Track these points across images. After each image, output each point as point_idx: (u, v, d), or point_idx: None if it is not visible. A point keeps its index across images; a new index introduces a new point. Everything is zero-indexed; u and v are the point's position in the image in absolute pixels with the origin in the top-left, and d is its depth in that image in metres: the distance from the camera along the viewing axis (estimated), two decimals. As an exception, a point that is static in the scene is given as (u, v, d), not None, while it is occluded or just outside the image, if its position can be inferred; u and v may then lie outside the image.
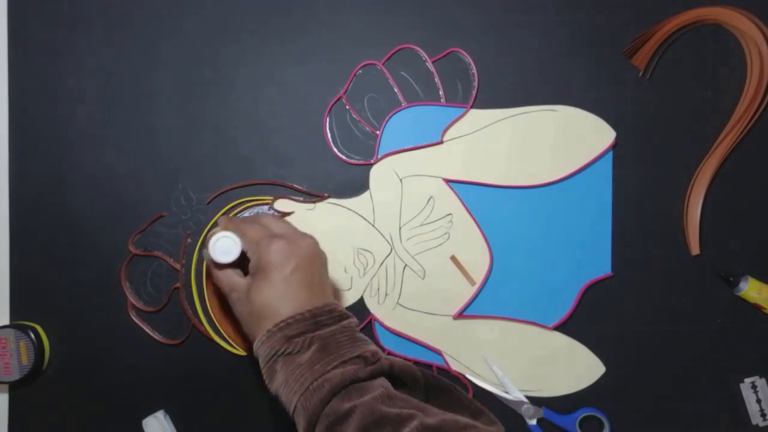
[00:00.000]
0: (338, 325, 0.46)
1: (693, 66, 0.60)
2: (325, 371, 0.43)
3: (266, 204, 0.59)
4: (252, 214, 0.59)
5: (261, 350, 0.46)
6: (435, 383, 0.48)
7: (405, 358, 0.59)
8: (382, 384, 0.44)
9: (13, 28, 0.60)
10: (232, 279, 0.50)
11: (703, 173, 0.59)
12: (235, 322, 0.58)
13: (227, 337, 0.59)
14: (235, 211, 0.59)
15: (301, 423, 0.43)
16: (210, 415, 0.60)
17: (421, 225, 0.59)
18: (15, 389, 0.60)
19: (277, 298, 0.46)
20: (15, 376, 0.58)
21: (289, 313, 0.45)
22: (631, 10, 0.60)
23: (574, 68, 0.60)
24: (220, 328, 0.59)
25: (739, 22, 0.59)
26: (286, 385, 0.44)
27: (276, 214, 0.59)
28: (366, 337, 0.47)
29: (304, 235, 0.50)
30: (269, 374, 0.45)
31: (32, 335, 0.58)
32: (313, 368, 0.43)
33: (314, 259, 0.49)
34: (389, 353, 0.59)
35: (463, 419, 0.42)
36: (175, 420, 0.59)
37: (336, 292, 0.54)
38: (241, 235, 0.50)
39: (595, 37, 0.60)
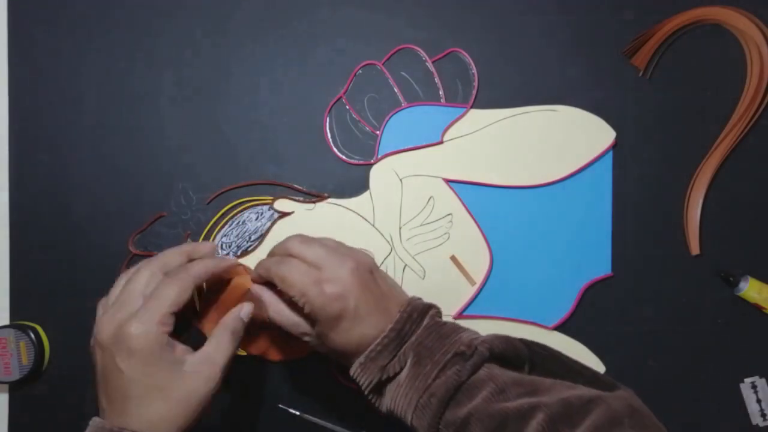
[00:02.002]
0: (422, 327, 0.44)
1: (693, 66, 0.60)
2: (428, 386, 0.42)
3: (266, 204, 0.59)
4: (260, 229, 0.55)
5: (360, 380, 0.45)
6: (540, 352, 0.45)
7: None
8: (489, 376, 0.42)
9: (13, 28, 0.60)
10: (300, 327, 0.47)
11: (703, 173, 0.59)
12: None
13: (227, 337, 0.59)
14: (235, 211, 0.59)
15: None
16: (210, 416, 0.60)
17: (421, 225, 0.59)
18: (15, 389, 0.60)
19: (354, 337, 0.45)
20: (15, 376, 0.58)
21: (374, 337, 0.44)
22: (631, 10, 0.60)
23: (574, 68, 0.60)
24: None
25: (739, 22, 0.59)
26: (395, 405, 0.43)
27: (275, 215, 0.59)
28: (453, 324, 0.45)
29: (344, 260, 0.45)
30: (375, 399, 0.45)
31: (32, 335, 0.58)
32: (414, 384, 0.42)
33: (365, 279, 0.45)
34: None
35: (587, 392, 0.40)
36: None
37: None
38: (282, 281, 0.46)
39: (595, 37, 0.60)
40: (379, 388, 0.45)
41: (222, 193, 0.60)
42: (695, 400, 0.60)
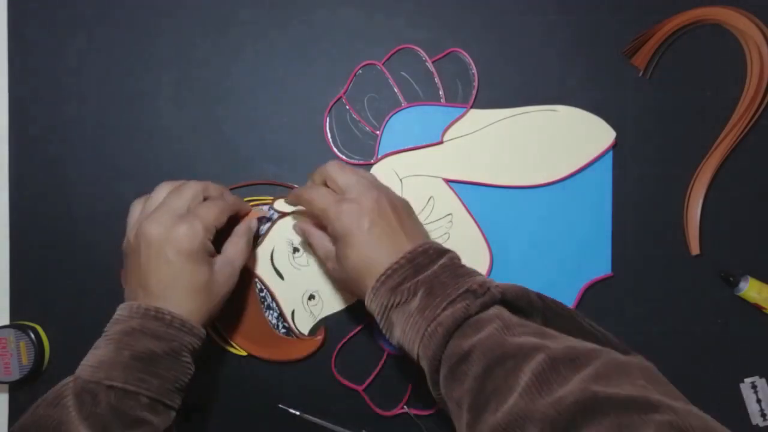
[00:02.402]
0: (437, 265, 0.45)
1: (693, 66, 0.60)
2: (436, 315, 0.43)
3: (266, 204, 0.59)
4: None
5: (372, 307, 0.47)
6: (554, 308, 0.45)
7: (405, 358, 0.59)
8: (497, 314, 0.42)
9: (13, 28, 0.60)
10: (326, 247, 0.52)
11: (703, 173, 0.59)
12: (237, 322, 0.59)
13: (227, 337, 0.59)
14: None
15: (425, 369, 0.44)
16: (210, 415, 0.60)
17: (421, 225, 0.59)
18: (15, 389, 0.60)
19: (366, 258, 0.47)
20: (15, 376, 0.58)
21: (386, 266, 0.46)
22: (631, 10, 0.60)
23: (574, 68, 0.60)
24: (220, 328, 0.59)
25: (739, 22, 0.59)
26: (404, 335, 0.44)
27: (275, 215, 0.59)
28: (471, 269, 0.46)
29: (370, 189, 0.49)
30: (387, 328, 0.46)
31: (32, 335, 0.58)
32: (424, 314, 0.43)
33: (385, 209, 0.48)
34: (389, 353, 0.59)
35: (596, 346, 0.39)
36: (176, 420, 0.59)
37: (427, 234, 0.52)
38: (308, 203, 0.52)
39: (595, 37, 0.60)
40: (389, 316, 0.46)
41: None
42: (695, 400, 0.59)
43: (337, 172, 0.52)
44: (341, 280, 0.51)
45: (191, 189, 0.52)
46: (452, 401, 0.42)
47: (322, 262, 0.53)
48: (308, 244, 0.56)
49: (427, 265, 0.45)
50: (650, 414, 0.32)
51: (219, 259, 0.52)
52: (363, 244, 0.47)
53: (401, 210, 0.50)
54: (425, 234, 0.51)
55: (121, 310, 0.48)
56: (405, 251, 0.46)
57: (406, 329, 0.44)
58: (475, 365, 0.40)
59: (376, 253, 0.47)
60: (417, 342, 0.43)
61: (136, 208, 0.53)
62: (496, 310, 0.43)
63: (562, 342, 0.40)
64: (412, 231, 0.49)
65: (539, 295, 0.46)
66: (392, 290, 0.45)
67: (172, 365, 0.47)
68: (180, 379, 0.48)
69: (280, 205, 0.59)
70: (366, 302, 0.47)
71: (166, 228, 0.49)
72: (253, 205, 0.59)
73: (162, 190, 0.52)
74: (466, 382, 0.40)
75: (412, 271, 0.45)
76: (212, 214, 0.51)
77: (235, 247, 0.54)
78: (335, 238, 0.49)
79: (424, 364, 0.44)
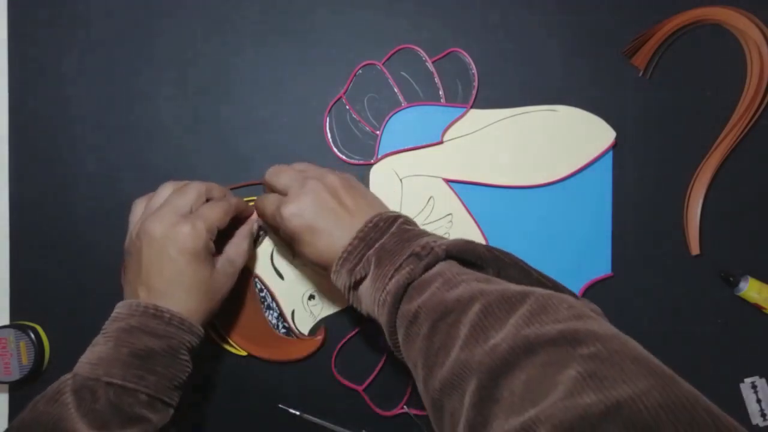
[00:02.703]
0: (387, 235, 0.46)
1: (693, 66, 0.60)
2: (385, 285, 0.44)
3: (266, 204, 0.59)
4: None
5: (338, 286, 0.48)
6: (504, 258, 0.45)
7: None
8: (439, 272, 0.43)
9: (13, 28, 0.60)
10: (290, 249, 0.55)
11: (703, 173, 0.59)
12: (237, 322, 0.59)
13: (227, 337, 0.59)
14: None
15: (386, 335, 0.45)
16: (210, 415, 0.60)
17: (421, 225, 0.59)
18: (15, 389, 0.60)
19: (320, 251, 0.48)
20: (15, 376, 0.58)
21: (340, 250, 0.47)
22: (631, 10, 0.60)
23: (574, 68, 0.60)
24: (220, 328, 0.59)
25: (739, 22, 0.59)
26: (366, 307, 0.47)
27: None
28: (419, 230, 0.48)
29: (304, 182, 0.50)
30: (355, 304, 0.48)
31: (32, 335, 0.58)
32: (375, 285, 0.45)
33: (324, 197, 0.49)
34: (388, 350, 0.59)
35: (526, 286, 0.40)
36: (176, 420, 0.59)
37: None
38: (261, 214, 0.54)
39: (595, 37, 0.60)
40: (353, 294, 0.48)
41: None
42: (695, 400, 0.60)
43: (273, 176, 0.53)
44: (310, 266, 0.53)
45: (195, 189, 0.52)
46: (410, 362, 0.43)
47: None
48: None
49: (378, 237, 0.46)
50: (577, 347, 0.33)
51: (220, 259, 0.53)
52: (313, 240, 0.48)
53: (341, 190, 0.50)
54: (371, 203, 0.51)
55: (120, 308, 0.49)
56: (355, 230, 0.47)
57: (367, 302, 0.46)
58: (423, 325, 0.41)
59: (331, 242, 0.48)
60: (375, 311, 0.45)
61: (139, 207, 0.53)
62: (438, 267, 0.43)
63: (498, 285, 0.40)
64: (357, 207, 0.49)
65: (488, 247, 0.45)
66: (350, 272, 0.46)
67: (171, 363, 0.47)
68: (178, 377, 0.48)
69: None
70: (332, 280, 0.49)
71: (169, 226, 0.49)
72: (252, 205, 0.59)
73: (165, 190, 0.53)
74: (417, 342, 0.41)
75: (366, 247, 0.46)
76: (215, 215, 0.51)
77: (236, 248, 0.55)
78: (290, 240, 0.50)
79: (386, 334, 0.45)
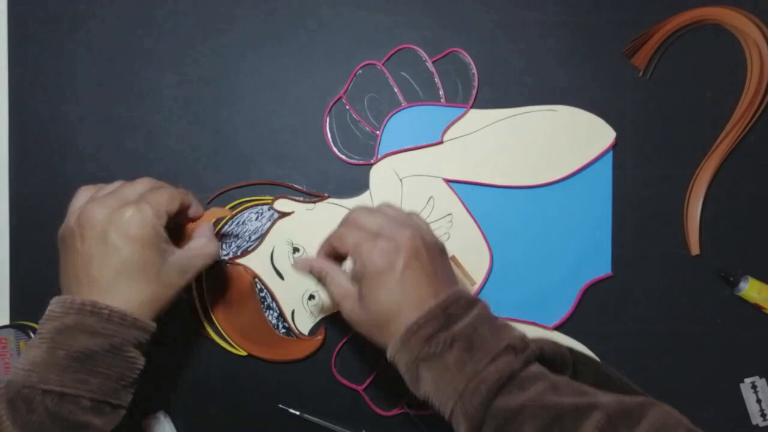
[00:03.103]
0: (472, 316, 0.42)
1: (693, 66, 0.60)
2: (478, 372, 0.40)
3: (266, 204, 0.59)
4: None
5: (399, 357, 0.43)
6: (582, 359, 0.44)
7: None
8: (541, 372, 0.41)
9: (13, 28, 0.60)
10: (344, 286, 0.47)
11: (703, 173, 0.59)
12: (237, 322, 0.59)
13: (227, 337, 0.59)
14: (235, 211, 0.59)
15: (462, 427, 0.40)
16: (210, 416, 0.60)
17: (421, 225, 0.59)
18: (15, 389, 0.60)
19: (398, 302, 0.43)
20: (15, 376, 0.58)
21: (417, 314, 0.42)
22: (631, 10, 0.60)
23: (574, 68, 0.60)
24: (220, 328, 0.59)
25: (739, 22, 0.59)
26: (438, 390, 0.41)
27: (275, 215, 0.59)
28: (504, 321, 0.44)
29: (403, 227, 0.45)
30: (413, 380, 0.43)
31: (32, 335, 0.58)
32: (464, 370, 0.40)
33: (420, 250, 0.44)
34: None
35: (641, 398, 0.39)
36: (176, 420, 0.59)
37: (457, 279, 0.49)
38: (338, 240, 0.47)
39: (595, 37, 0.60)
40: (419, 370, 0.42)
41: (222, 193, 0.60)
42: (695, 400, 0.60)
43: (365, 218, 0.47)
44: (361, 322, 0.45)
45: (144, 181, 0.49)
46: None
47: (335, 302, 0.48)
48: (320, 281, 0.50)
49: (461, 315, 0.42)
50: None
51: (177, 252, 0.48)
52: (395, 285, 0.43)
53: (436, 252, 0.46)
54: (455, 279, 0.47)
55: (54, 306, 0.45)
56: (439, 299, 0.43)
57: (441, 384, 0.41)
58: (527, 425, 0.38)
59: (407, 297, 0.43)
60: (453, 399, 0.40)
61: (83, 194, 0.49)
62: (538, 367, 0.41)
63: (610, 398, 0.39)
64: (444, 276, 0.45)
65: (569, 349, 0.45)
66: (426, 341, 0.41)
67: (115, 362, 0.44)
68: (126, 376, 0.44)
69: (280, 204, 0.59)
70: (390, 351, 0.43)
71: (111, 211, 0.45)
72: (252, 205, 0.59)
73: (116, 183, 0.49)
74: None
75: (446, 321, 0.42)
76: (163, 199, 0.47)
77: (198, 246, 0.50)
78: (362, 276, 0.45)
79: (461, 422, 0.40)
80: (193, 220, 0.53)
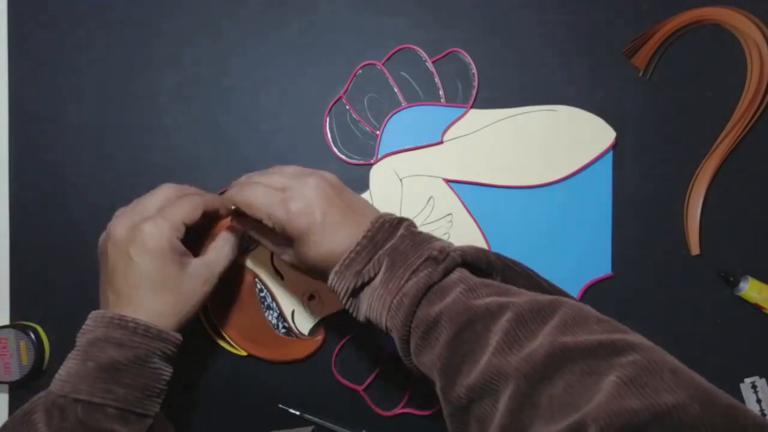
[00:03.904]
0: (396, 236, 0.45)
1: (693, 66, 0.60)
2: (401, 287, 0.43)
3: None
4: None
5: (337, 288, 0.46)
6: (513, 266, 0.46)
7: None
8: (460, 278, 0.42)
9: (13, 28, 0.60)
10: (280, 244, 0.50)
11: (703, 173, 0.59)
12: (237, 322, 0.59)
13: (227, 337, 0.59)
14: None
15: (395, 339, 0.43)
16: (210, 416, 0.60)
17: (421, 225, 0.59)
18: (15, 389, 0.60)
19: (329, 250, 0.46)
20: (15, 376, 0.58)
21: (343, 251, 0.45)
22: (631, 10, 0.60)
23: (574, 68, 0.60)
24: (219, 328, 0.59)
25: (739, 22, 0.59)
26: (371, 309, 0.44)
27: None
28: (428, 234, 0.46)
29: (303, 177, 0.48)
30: (352, 307, 0.46)
31: (32, 335, 0.58)
32: (388, 287, 0.43)
33: (329, 194, 0.47)
34: (389, 353, 0.59)
35: (553, 296, 0.40)
36: (176, 420, 0.59)
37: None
38: (247, 207, 0.48)
39: (595, 37, 0.60)
40: (356, 295, 0.46)
41: (222, 193, 0.59)
42: (695, 400, 0.60)
43: (265, 178, 0.49)
44: (304, 271, 0.49)
45: (164, 191, 0.51)
46: (425, 368, 0.42)
47: (276, 254, 0.51)
48: (254, 239, 0.53)
49: (387, 239, 0.45)
50: (615, 357, 0.34)
51: (195, 261, 0.51)
52: (320, 239, 0.46)
53: (339, 187, 0.49)
54: (369, 205, 0.50)
55: (89, 320, 0.48)
56: (364, 231, 0.46)
57: (373, 303, 0.44)
58: (444, 331, 0.40)
59: (336, 240, 0.46)
60: (384, 314, 0.43)
61: (115, 216, 0.51)
62: (458, 274, 0.43)
63: (525, 296, 0.40)
64: (360, 205, 0.48)
65: (498, 255, 0.46)
66: (357, 273, 0.44)
67: (140, 373, 0.46)
68: (151, 386, 0.47)
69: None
70: (329, 282, 0.46)
71: (130, 228, 0.48)
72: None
73: (138, 198, 0.52)
74: (437, 348, 0.40)
75: (373, 248, 0.45)
76: (182, 211, 0.49)
77: (216, 251, 0.52)
78: (291, 239, 0.47)
79: (394, 335, 0.44)
80: (224, 217, 0.55)
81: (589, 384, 0.33)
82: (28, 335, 0.58)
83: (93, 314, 0.48)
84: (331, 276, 0.46)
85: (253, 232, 0.52)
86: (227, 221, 0.55)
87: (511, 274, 0.45)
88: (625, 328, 0.38)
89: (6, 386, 0.60)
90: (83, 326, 0.47)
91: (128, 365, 0.45)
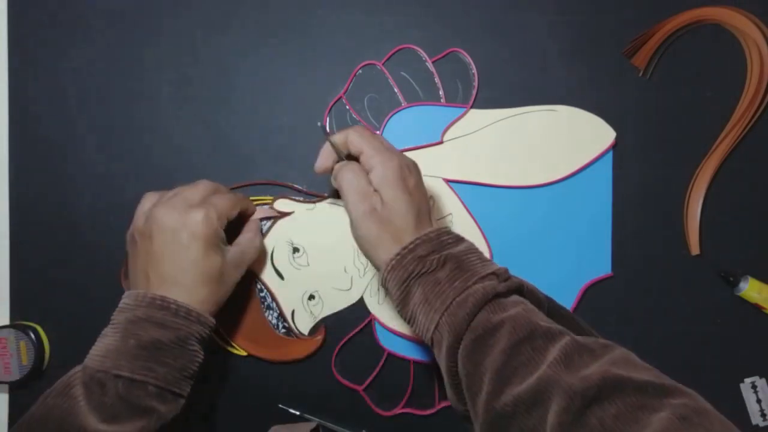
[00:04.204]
0: (463, 245, 0.47)
1: (693, 66, 0.60)
2: (466, 287, 0.43)
3: (266, 204, 0.59)
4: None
5: (393, 274, 0.46)
6: (557, 309, 0.47)
7: (404, 358, 0.59)
8: (521, 300, 0.44)
9: (13, 28, 0.60)
10: (365, 186, 0.49)
11: (703, 173, 0.59)
12: (237, 322, 0.59)
13: (227, 338, 0.59)
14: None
15: (445, 338, 0.43)
16: (210, 416, 0.60)
17: (421, 225, 0.59)
18: (15, 389, 0.60)
19: (407, 217, 0.47)
20: (15, 376, 0.58)
21: (415, 235, 0.46)
22: (631, 10, 0.60)
23: (574, 68, 0.60)
24: (220, 328, 0.59)
25: (739, 22, 0.59)
26: (426, 303, 0.44)
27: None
28: (491, 259, 0.49)
29: (410, 159, 0.51)
30: (404, 296, 0.46)
31: (32, 335, 0.58)
32: (453, 285, 0.44)
33: (420, 179, 0.50)
34: (389, 353, 0.59)
35: (607, 341, 0.42)
36: (176, 420, 0.59)
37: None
38: (353, 144, 0.50)
39: (595, 37, 0.60)
40: (409, 286, 0.46)
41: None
42: (695, 400, 0.60)
43: (369, 134, 0.51)
44: (373, 229, 0.47)
45: (204, 184, 0.53)
46: (470, 372, 0.42)
47: (352, 200, 0.49)
48: (337, 176, 0.51)
49: (453, 243, 0.46)
50: (666, 398, 0.35)
51: (231, 249, 0.53)
52: (408, 199, 0.47)
53: (428, 190, 0.52)
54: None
55: (127, 298, 0.48)
56: (434, 226, 0.47)
57: (430, 297, 0.44)
58: (503, 339, 0.41)
59: (412, 215, 0.47)
60: (440, 311, 0.43)
61: (149, 199, 0.52)
62: (517, 297, 0.45)
63: (582, 335, 0.42)
64: (430, 213, 0.50)
65: (547, 296, 0.48)
66: (420, 259, 0.45)
67: (180, 354, 0.47)
68: (188, 368, 0.48)
69: (280, 204, 0.59)
70: (384, 271, 0.47)
71: (182, 213, 0.49)
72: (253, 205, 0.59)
73: (177, 188, 0.53)
74: (492, 354, 0.41)
75: (439, 245, 0.46)
76: (226, 204, 0.52)
77: (247, 240, 0.55)
78: (383, 184, 0.48)
79: (445, 333, 0.43)
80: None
81: (641, 417, 0.34)
82: (28, 335, 0.58)
83: (131, 294, 0.48)
84: (391, 258, 0.46)
85: (356, 160, 0.51)
86: (246, 219, 0.58)
87: (555, 315, 0.46)
88: (672, 379, 0.39)
89: (6, 386, 0.60)
90: (120, 304, 0.48)
91: (170, 345, 0.47)
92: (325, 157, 0.52)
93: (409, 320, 0.47)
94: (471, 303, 0.43)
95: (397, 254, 0.46)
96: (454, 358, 0.43)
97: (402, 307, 0.47)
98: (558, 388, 0.37)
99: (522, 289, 0.46)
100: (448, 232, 0.47)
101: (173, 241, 0.49)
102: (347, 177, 0.49)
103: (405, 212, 0.47)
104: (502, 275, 0.45)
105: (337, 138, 0.51)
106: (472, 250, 0.47)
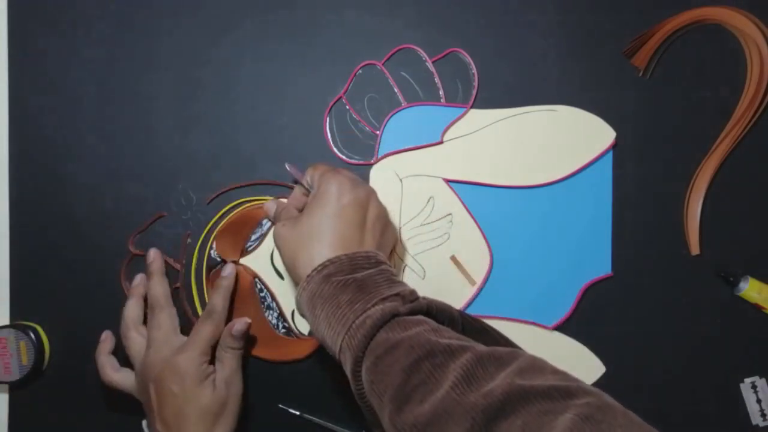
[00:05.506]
0: (375, 269, 0.46)
1: (693, 66, 0.60)
2: (366, 309, 0.43)
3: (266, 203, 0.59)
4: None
5: (303, 296, 0.47)
6: (473, 324, 0.47)
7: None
8: (425, 319, 0.44)
9: (13, 28, 0.60)
10: (296, 198, 0.54)
11: (703, 173, 0.59)
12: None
13: (227, 337, 0.59)
14: (235, 211, 0.59)
15: (347, 361, 0.44)
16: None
17: (421, 225, 0.59)
18: (15, 389, 0.60)
19: (327, 227, 0.48)
20: (15, 376, 0.58)
21: (328, 256, 0.47)
22: (631, 10, 0.60)
23: (574, 68, 0.60)
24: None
25: (739, 22, 0.59)
26: (329, 327, 0.45)
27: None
28: (404, 282, 0.48)
29: (367, 185, 0.52)
30: (312, 318, 0.46)
31: (32, 335, 0.58)
32: (353, 307, 0.44)
33: (369, 205, 0.50)
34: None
35: (513, 348, 0.42)
36: None
37: (389, 254, 0.54)
38: (311, 169, 0.52)
39: (595, 37, 0.60)
40: (314, 308, 0.46)
41: (222, 193, 0.60)
42: (695, 400, 0.60)
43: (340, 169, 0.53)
44: (287, 240, 0.50)
45: (164, 315, 0.55)
46: (374, 393, 0.42)
47: (277, 212, 0.55)
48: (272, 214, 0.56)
49: (366, 267, 0.46)
50: (570, 399, 0.35)
51: (220, 379, 0.53)
52: (333, 211, 0.48)
53: (380, 218, 0.51)
54: (386, 251, 0.52)
55: None
56: (352, 250, 0.47)
57: (332, 322, 0.44)
58: (402, 358, 0.41)
59: (335, 227, 0.48)
60: (342, 333, 0.44)
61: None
62: (422, 318, 0.44)
63: (483, 346, 0.42)
64: (375, 240, 0.50)
65: (461, 313, 0.47)
66: (326, 278, 0.45)
67: None
68: None
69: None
70: (297, 292, 0.48)
71: (162, 362, 0.52)
72: (252, 206, 0.59)
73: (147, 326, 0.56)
74: (391, 374, 0.41)
75: (349, 268, 0.46)
76: (207, 335, 0.53)
77: (222, 366, 0.54)
78: (314, 197, 0.50)
79: (347, 356, 0.44)
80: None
81: (546, 422, 0.34)
82: (28, 335, 0.58)
83: None
84: (303, 282, 0.47)
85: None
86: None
87: (471, 331, 0.46)
88: (578, 378, 0.39)
89: (6, 386, 0.60)
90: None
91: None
92: (297, 199, 0.55)
93: (321, 342, 0.47)
94: (369, 324, 0.42)
95: (308, 275, 0.46)
96: (359, 381, 0.43)
97: (314, 329, 0.47)
98: (459, 408, 0.36)
99: (430, 310, 0.45)
100: (368, 258, 0.47)
101: (165, 389, 0.52)
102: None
103: (322, 232, 0.48)
104: (408, 296, 0.45)
105: (306, 180, 0.54)
106: (384, 272, 0.46)
